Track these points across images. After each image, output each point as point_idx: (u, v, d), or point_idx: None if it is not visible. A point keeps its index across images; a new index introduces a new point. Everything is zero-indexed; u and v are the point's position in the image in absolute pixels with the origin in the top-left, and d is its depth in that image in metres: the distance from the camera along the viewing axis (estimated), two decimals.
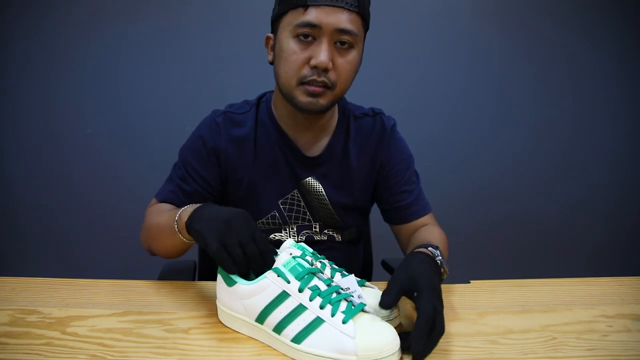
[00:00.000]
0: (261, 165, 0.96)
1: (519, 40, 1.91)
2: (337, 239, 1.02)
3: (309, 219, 1.00)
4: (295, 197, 0.98)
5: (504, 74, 1.93)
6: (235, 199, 0.98)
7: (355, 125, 1.00)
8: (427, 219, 1.01)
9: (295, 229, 0.99)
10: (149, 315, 0.70)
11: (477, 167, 1.98)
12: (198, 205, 0.76)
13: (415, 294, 0.64)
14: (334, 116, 0.99)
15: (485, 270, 2.01)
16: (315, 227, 1.01)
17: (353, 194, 1.00)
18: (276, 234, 0.99)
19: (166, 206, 0.93)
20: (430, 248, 0.76)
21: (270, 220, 0.98)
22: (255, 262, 0.66)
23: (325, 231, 1.01)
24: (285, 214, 0.98)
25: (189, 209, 0.77)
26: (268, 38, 0.91)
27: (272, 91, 1.00)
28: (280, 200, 0.98)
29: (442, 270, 0.74)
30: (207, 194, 0.96)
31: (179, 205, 0.88)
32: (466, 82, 1.92)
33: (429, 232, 0.97)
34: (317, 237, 1.01)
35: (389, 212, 1.03)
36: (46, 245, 1.89)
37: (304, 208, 0.98)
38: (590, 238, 2.06)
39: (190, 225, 0.72)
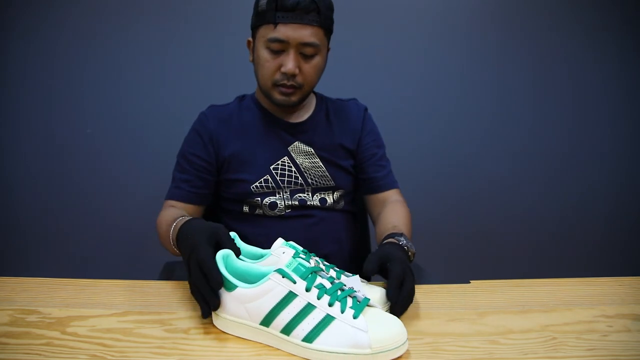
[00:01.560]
0: (249, 136, 1.08)
1: (519, 40, 1.91)
2: (328, 202, 1.10)
3: (301, 183, 1.08)
4: (286, 163, 1.08)
5: (503, 73, 1.93)
6: (229, 170, 1.08)
7: (332, 106, 1.16)
8: (395, 192, 1.14)
9: (288, 193, 1.08)
10: (149, 315, 0.70)
11: (477, 167, 1.98)
12: (179, 229, 0.80)
13: (388, 265, 0.75)
14: (312, 99, 1.14)
15: (485, 270, 2.02)
16: (307, 191, 1.09)
17: (339, 157, 1.11)
18: (270, 197, 1.07)
19: (171, 214, 0.99)
20: (395, 237, 0.87)
21: (263, 184, 1.07)
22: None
23: (317, 194, 1.10)
24: (278, 179, 1.07)
25: (173, 236, 0.84)
26: (249, 41, 1.07)
27: (254, 93, 1.15)
28: (272, 166, 1.07)
29: (409, 253, 0.85)
30: (204, 177, 1.07)
31: (181, 198, 1.06)
32: (466, 82, 1.92)
33: (394, 212, 1.07)
34: (309, 202, 1.09)
35: (363, 182, 1.15)
36: (46, 245, 1.89)
37: (295, 173, 1.08)
38: (590, 238, 2.06)
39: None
